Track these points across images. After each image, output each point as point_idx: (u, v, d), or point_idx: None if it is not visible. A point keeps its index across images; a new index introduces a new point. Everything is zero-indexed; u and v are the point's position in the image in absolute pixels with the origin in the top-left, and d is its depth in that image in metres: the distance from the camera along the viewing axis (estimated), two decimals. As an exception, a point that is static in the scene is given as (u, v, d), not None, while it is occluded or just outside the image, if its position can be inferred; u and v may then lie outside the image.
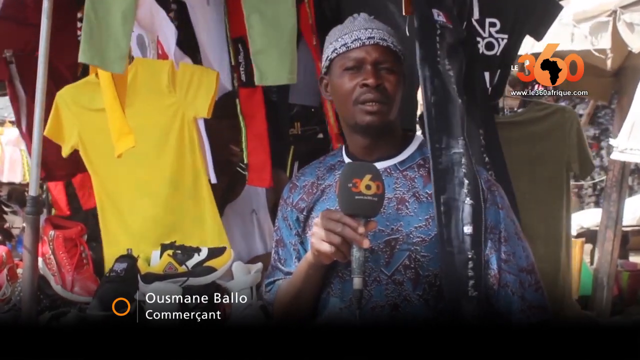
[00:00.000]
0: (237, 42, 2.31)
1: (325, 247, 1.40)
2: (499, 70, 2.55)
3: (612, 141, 3.40)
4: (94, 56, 1.82)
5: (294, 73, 1.92)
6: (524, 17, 2.54)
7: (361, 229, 1.38)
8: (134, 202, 2.34)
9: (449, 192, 1.52)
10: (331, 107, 2.39)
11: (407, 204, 1.53)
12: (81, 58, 1.82)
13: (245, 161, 2.36)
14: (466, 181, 1.53)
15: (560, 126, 3.22)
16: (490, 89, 2.56)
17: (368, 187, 1.38)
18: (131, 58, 2.38)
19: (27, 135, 2.78)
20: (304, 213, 1.61)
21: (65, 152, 2.35)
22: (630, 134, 3.26)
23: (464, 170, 1.54)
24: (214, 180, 2.34)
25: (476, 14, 2.47)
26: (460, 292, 1.47)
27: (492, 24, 2.52)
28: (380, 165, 1.54)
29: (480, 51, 2.51)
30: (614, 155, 3.41)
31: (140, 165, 2.30)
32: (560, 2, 2.82)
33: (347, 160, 1.62)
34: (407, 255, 1.49)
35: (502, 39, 2.53)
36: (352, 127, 1.58)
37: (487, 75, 2.54)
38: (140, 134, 2.20)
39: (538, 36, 2.61)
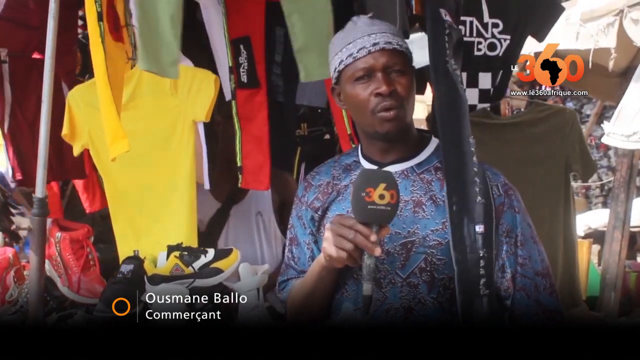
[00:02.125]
0: (239, 42, 2.29)
1: (337, 253, 1.40)
2: (501, 71, 2.54)
3: (604, 124, 3.39)
4: (152, 64, 1.83)
5: None
6: (526, 17, 2.53)
7: (373, 237, 1.37)
8: (141, 204, 2.34)
9: (462, 192, 1.50)
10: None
11: (423, 207, 1.52)
12: (141, 66, 1.83)
13: (239, 164, 2.33)
14: (477, 180, 1.52)
15: (560, 128, 3.19)
16: (492, 89, 2.55)
17: (382, 196, 1.37)
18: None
19: (8, 137, 2.76)
20: (319, 213, 1.61)
21: (76, 152, 2.35)
22: (616, 119, 3.25)
23: (475, 169, 1.53)
24: (207, 187, 2.30)
25: (486, 17, 2.46)
26: (472, 291, 1.47)
27: (495, 25, 2.51)
28: (397, 167, 1.54)
29: (483, 52, 2.51)
30: (603, 139, 3.40)
31: (146, 167, 2.29)
32: (567, 2, 2.81)
33: (362, 161, 1.61)
34: (423, 258, 1.49)
35: (505, 39, 2.52)
36: (371, 134, 1.58)
37: (489, 76, 2.53)
38: (146, 136, 2.18)
39: (540, 37, 2.59)
